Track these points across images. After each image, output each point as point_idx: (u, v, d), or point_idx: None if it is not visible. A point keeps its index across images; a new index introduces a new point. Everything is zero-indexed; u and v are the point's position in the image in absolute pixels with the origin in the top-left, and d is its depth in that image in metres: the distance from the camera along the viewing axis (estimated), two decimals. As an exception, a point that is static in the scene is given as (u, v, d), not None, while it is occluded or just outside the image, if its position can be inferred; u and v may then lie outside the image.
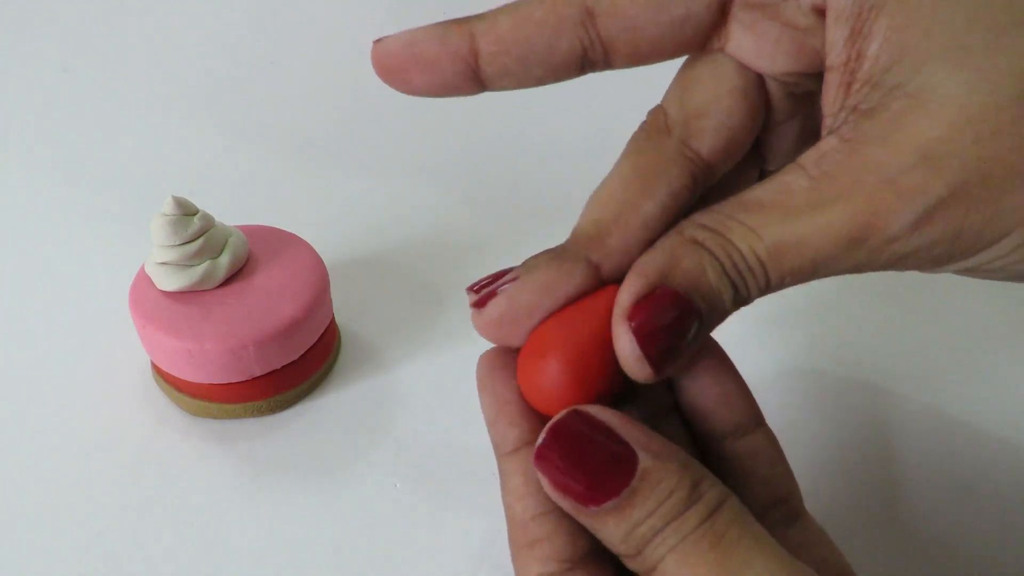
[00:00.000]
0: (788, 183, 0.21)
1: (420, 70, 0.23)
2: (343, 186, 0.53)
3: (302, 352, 0.38)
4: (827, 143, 0.21)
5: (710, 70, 0.23)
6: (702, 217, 0.21)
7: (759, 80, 0.23)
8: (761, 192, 0.21)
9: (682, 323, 0.20)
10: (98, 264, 0.46)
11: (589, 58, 0.23)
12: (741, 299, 0.21)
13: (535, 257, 0.22)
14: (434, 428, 0.38)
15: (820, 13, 0.22)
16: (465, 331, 0.44)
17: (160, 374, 0.39)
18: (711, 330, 0.21)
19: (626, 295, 0.20)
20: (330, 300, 0.40)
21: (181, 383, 0.37)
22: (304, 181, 0.53)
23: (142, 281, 0.37)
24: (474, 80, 0.23)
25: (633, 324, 0.20)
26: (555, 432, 0.21)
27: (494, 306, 0.22)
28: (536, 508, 0.21)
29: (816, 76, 0.23)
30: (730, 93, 0.23)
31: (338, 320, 0.43)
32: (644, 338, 0.20)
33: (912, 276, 0.47)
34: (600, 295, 0.22)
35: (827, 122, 0.22)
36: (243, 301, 0.37)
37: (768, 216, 0.21)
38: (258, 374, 0.37)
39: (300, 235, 0.41)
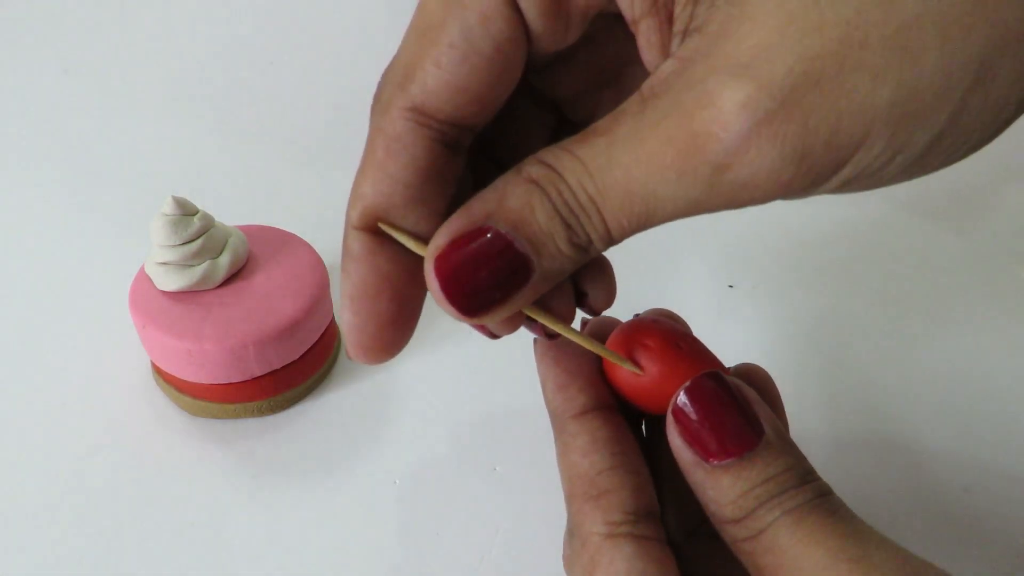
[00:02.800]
0: (623, 108, 0.19)
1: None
2: (343, 186, 0.52)
3: (302, 352, 0.38)
4: (666, 65, 0.19)
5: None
6: (544, 152, 0.19)
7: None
8: (602, 120, 0.19)
9: (485, 257, 0.19)
10: (98, 264, 0.46)
11: (449, 143, 0.21)
12: (580, 244, 0.19)
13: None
14: (434, 428, 0.38)
15: None
16: (464, 331, 0.44)
17: (160, 374, 0.39)
18: (554, 277, 0.20)
19: (442, 235, 0.19)
20: (330, 300, 0.40)
21: (181, 383, 0.37)
22: (304, 181, 0.53)
23: (142, 281, 0.37)
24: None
25: (435, 264, 0.19)
26: (695, 389, 0.22)
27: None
28: (603, 464, 0.23)
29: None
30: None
31: (338, 320, 0.43)
32: (447, 278, 0.19)
33: (908, 277, 0.47)
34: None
35: (672, 45, 0.20)
36: (243, 301, 0.37)
37: (596, 147, 0.19)
38: (258, 374, 0.37)
39: (300, 235, 0.41)
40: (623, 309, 0.29)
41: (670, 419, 0.22)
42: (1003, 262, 0.49)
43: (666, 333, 0.24)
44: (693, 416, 0.22)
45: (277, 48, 0.63)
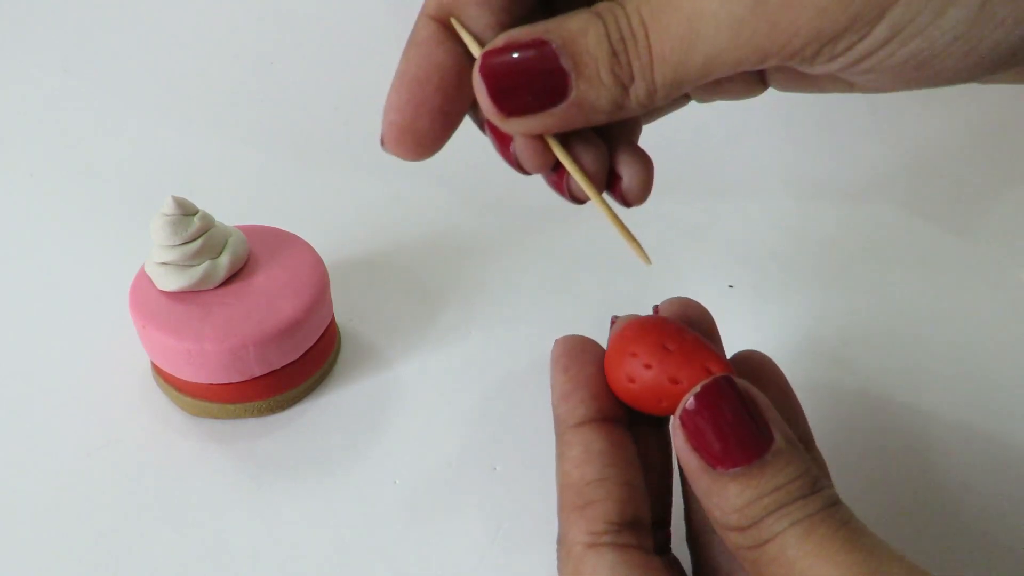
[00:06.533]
0: None
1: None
2: (343, 186, 0.53)
3: (302, 352, 0.38)
4: None
5: None
6: None
7: None
8: None
9: (530, 65, 0.20)
10: (98, 264, 0.46)
11: None
12: (621, 77, 0.20)
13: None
14: (434, 427, 0.38)
15: None
16: (464, 331, 0.44)
17: (160, 374, 0.39)
18: (589, 108, 0.21)
19: (500, 38, 0.21)
20: (330, 300, 0.40)
21: (181, 383, 0.37)
22: (304, 181, 0.53)
23: (142, 281, 0.37)
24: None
25: (485, 56, 0.21)
26: (705, 394, 0.22)
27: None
28: (592, 475, 0.23)
29: None
30: None
31: (338, 320, 0.43)
32: (491, 71, 0.21)
33: (908, 277, 0.47)
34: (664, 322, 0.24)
35: None
36: (243, 301, 0.37)
37: None
38: (258, 374, 0.37)
39: (300, 235, 0.41)
40: (625, 310, 0.29)
41: (676, 423, 0.22)
42: (1003, 262, 0.49)
43: (654, 338, 0.23)
44: (701, 421, 0.21)
45: (277, 48, 0.63)
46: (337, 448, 0.37)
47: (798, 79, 0.26)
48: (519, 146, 0.22)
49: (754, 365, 0.27)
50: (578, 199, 0.24)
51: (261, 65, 0.62)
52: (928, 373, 0.42)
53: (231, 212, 0.41)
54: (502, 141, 0.23)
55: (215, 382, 0.37)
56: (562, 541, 0.23)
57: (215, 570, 0.33)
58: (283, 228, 0.41)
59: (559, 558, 0.23)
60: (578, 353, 0.25)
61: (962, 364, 0.42)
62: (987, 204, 0.54)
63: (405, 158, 0.23)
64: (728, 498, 0.21)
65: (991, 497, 0.36)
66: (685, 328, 0.24)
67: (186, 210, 0.36)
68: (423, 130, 0.22)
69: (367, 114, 0.58)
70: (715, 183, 0.54)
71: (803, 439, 0.26)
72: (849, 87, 0.24)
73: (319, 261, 0.39)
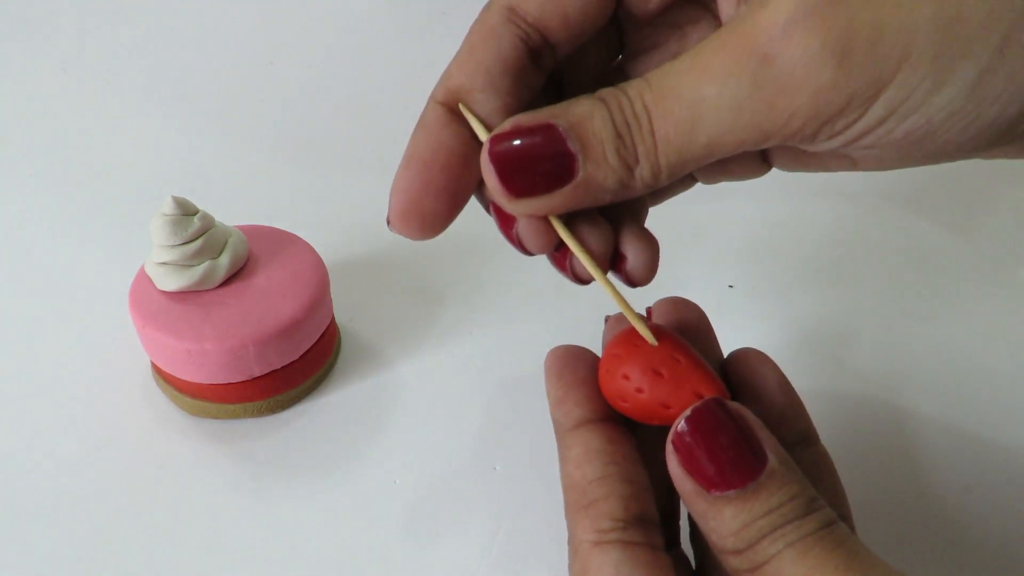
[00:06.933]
0: (699, 43, 0.21)
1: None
2: (343, 186, 0.53)
3: (302, 352, 0.38)
4: (739, 9, 0.21)
5: None
6: (625, 83, 0.21)
7: None
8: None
9: (538, 147, 0.21)
10: (98, 264, 0.46)
11: (533, 48, 0.23)
12: (626, 159, 0.21)
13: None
14: (434, 427, 0.38)
15: None
16: (464, 331, 0.44)
17: (160, 374, 0.39)
18: (595, 189, 0.21)
19: (507, 121, 0.21)
20: (330, 300, 0.40)
21: (181, 383, 0.37)
22: (304, 181, 0.53)
23: (142, 281, 0.37)
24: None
25: (493, 139, 0.21)
26: (697, 417, 0.21)
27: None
28: (593, 474, 0.23)
29: None
30: None
31: (338, 320, 0.43)
32: (499, 153, 0.21)
33: (908, 277, 0.47)
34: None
35: None
36: (243, 301, 0.37)
37: (663, 67, 0.21)
38: (258, 374, 0.37)
39: (300, 235, 0.41)
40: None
41: (670, 448, 0.22)
42: (1003, 262, 0.49)
43: (645, 360, 0.23)
44: (693, 445, 0.21)
45: (277, 48, 0.63)
46: (337, 448, 0.37)
47: (801, 158, 0.26)
48: (522, 227, 0.23)
49: (750, 363, 0.27)
50: (581, 279, 0.24)
51: (261, 65, 0.62)
52: (928, 373, 0.42)
53: (231, 212, 0.41)
54: (505, 222, 0.23)
55: (215, 382, 0.37)
56: (570, 541, 0.23)
57: (215, 570, 0.33)
58: (283, 228, 0.41)
59: (569, 560, 0.23)
60: (570, 360, 0.25)
61: (962, 364, 0.42)
62: (987, 204, 0.54)
63: (410, 237, 0.23)
64: (724, 521, 0.21)
65: (991, 497, 0.36)
66: (679, 345, 0.24)
67: (186, 210, 0.36)
68: (428, 210, 0.23)
69: (367, 114, 0.58)
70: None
71: (806, 435, 0.26)
72: (852, 165, 0.25)
73: (319, 261, 0.39)
